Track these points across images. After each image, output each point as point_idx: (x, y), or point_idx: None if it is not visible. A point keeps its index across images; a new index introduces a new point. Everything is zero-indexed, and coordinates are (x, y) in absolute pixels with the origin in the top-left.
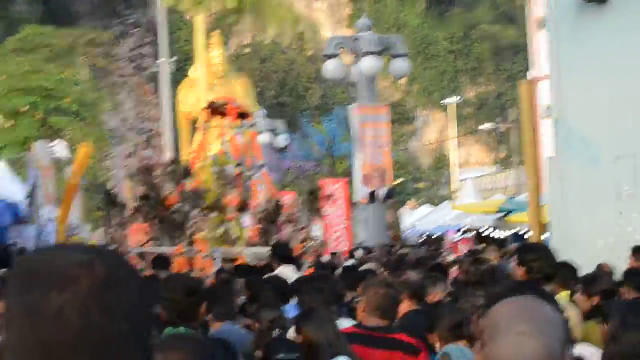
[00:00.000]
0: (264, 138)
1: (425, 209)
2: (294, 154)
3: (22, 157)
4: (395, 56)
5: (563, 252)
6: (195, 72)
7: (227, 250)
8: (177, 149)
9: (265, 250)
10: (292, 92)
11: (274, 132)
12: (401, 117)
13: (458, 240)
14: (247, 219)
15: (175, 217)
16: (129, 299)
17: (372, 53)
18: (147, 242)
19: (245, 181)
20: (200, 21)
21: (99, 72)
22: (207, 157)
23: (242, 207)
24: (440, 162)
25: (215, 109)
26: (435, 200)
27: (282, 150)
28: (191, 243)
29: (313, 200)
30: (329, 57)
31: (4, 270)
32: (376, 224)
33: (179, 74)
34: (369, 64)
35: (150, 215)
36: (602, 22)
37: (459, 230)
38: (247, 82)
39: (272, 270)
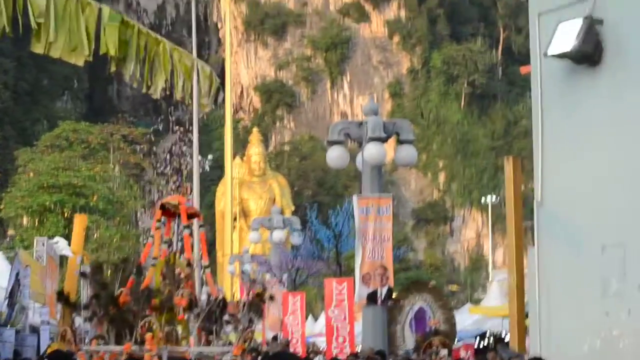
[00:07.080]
0: (277, 236)
1: None
2: (304, 253)
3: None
4: (402, 142)
5: (546, 357)
6: (234, 170)
7: (173, 349)
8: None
9: (208, 350)
10: (330, 190)
11: (289, 229)
12: (437, 216)
13: (459, 347)
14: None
15: (126, 316)
16: None
17: (376, 139)
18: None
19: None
20: (229, 117)
21: (132, 169)
22: (156, 257)
23: (190, 307)
24: (477, 264)
25: (167, 210)
26: (460, 304)
27: (296, 249)
28: (142, 342)
29: (257, 301)
30: (333, 143)
31: None
32: (376, 328)
33: (218, 172)
34: (373, 150)
35: (100, 314)
36: (594, 87)
37: (479, 337)
38: (284, 181)
39: None
